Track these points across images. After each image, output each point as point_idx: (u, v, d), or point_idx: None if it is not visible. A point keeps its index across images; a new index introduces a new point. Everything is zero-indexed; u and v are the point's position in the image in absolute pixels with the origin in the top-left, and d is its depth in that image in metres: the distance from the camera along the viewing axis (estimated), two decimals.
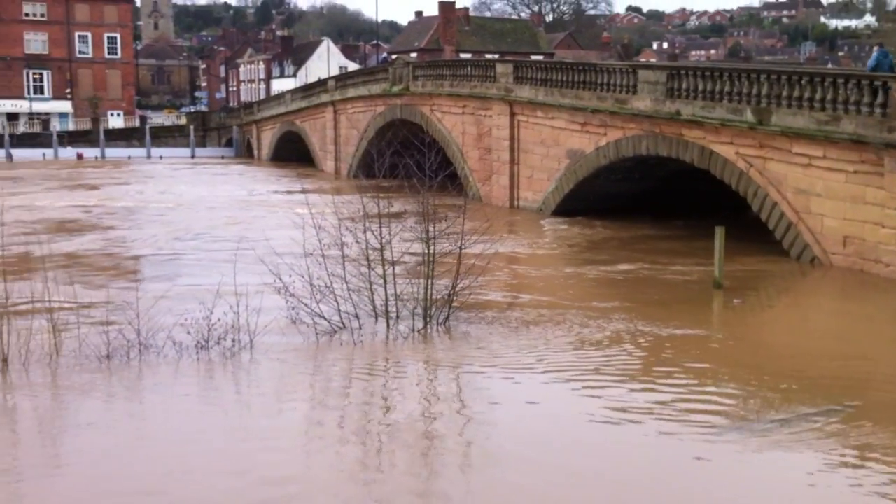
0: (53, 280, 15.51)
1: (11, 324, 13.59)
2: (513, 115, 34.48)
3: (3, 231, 18.44)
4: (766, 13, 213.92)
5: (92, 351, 13.69)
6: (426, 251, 16.18)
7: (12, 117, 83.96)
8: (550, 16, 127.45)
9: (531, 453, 10.45)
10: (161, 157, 72.55)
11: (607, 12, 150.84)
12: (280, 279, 15.27)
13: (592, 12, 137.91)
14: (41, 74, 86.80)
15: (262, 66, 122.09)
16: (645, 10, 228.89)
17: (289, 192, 42.61)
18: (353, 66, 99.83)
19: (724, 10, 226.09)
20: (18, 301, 15.20)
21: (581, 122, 30.46)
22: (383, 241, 16.06)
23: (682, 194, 29.68)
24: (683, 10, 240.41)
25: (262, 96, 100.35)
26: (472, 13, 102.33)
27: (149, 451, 10.50)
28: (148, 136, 76.35)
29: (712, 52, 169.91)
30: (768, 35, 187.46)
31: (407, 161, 17.54)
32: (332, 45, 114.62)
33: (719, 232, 19.32)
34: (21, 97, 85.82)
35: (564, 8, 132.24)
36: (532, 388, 13.04)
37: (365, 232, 16.21)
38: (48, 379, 13.11)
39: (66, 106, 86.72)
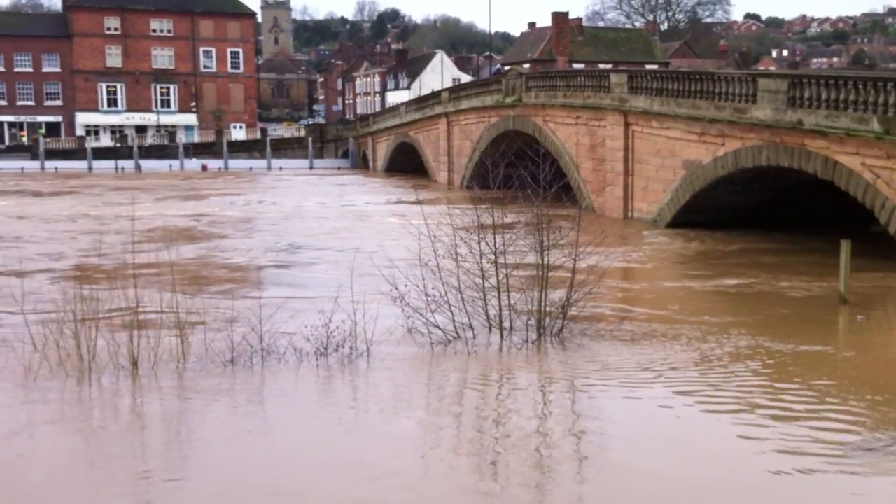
0: (180, 286, 16.12)
1: (141, 328, 14.16)
2: (627, 125, 34.12)
3: (133, 238, 19.30)
4: (890, 19, 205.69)
5: (217, 356, 14.17)
6: (540, 262, 16.17)
7: (141, 130, 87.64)
8: (665, 24, 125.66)
9: (648, 471, 10.32)
10: (281, 169, 74.54)
11: (724, 20, 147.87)
12: (396, 288, 15.50)
13: (709, 20, 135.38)
14: (168, 88, 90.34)
15: (377, 78, 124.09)
16: (763, 17, 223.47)
17: (403, 203, 43.17)
18: (466, 78, 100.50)
19: (847, 17, 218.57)
20: (147, 307, 15.82)
21: (698, 132, 29.92)
22: (497, 251, 16.13)
23: (801, 207, 28.81)
24: (804, 16, 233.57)
25: (377, 108, 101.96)
26: (585, 23, 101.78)
27: (270, 455, 10.80)
28: (268, 148, 78.57)
29: (834, 59, 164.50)
30: (894, 42, 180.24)
31: (521, 172, 17.58)
32: (445, 57, 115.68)
33: (845, 246, 18.69)
34: (149, 110, 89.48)
35: (680, 16, 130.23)
36: (650, 404, 12.83)
37: (479, 242, 16.32)
38: (175, 382, 13.62)
39: (191, 119, 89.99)
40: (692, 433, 11.64)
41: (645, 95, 33.13)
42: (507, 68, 62.13)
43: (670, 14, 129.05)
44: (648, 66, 76.57)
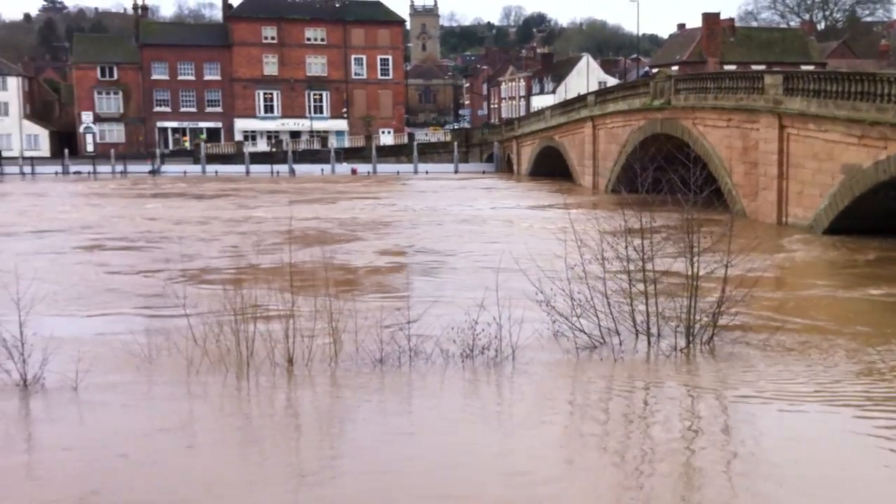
0: (333, 287, 16.62)
1: (297, 327, 14.68)
2: (782, 127, 32.99)
3: (289, 239, 20.03)
4: None
5: (367, 355, 14.56)
6: (689, 268, 15.86)
7: (295, 135, 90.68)
8: (822, 24, 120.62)
9: (806, 495, 9.91)
10: (427, 172, 75.69)
11: (885, 18, 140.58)
12: (542, 292, 15.51)
13: (869, 19, 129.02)
14: (321, 95, 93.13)
15: (522, 83, 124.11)
16: None
17: (548, 207, 43.08)
18: (612, 81, 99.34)
19: None
20: (302, 306, 16.36)
21: (858, 135, 28.64)
22: (645, 256, 15.92)
23: None
24: None
25: (522, 113, 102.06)
26: (737, 23, 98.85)
27: (418, 456, 11.02)
28: (415, 153, 79.92)
29: None
30: None
31: (670, 177, 17.26)
32: (591, 60, 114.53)
33: None
34: (303, 116, 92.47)
35: (837, 15, 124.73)
36: (808, 420, 12.27)
37: (626, 247, 16.14)
38: (328, 380, 14.07)
39: (342, 124, 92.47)
40: (854, 457, 11.04)
41: (801, 97, 31.95)
42: (654, 71, 61.05)
43: (827, 13, 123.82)
44: (804, 67, 73.72)
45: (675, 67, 79.63)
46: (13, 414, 12.80)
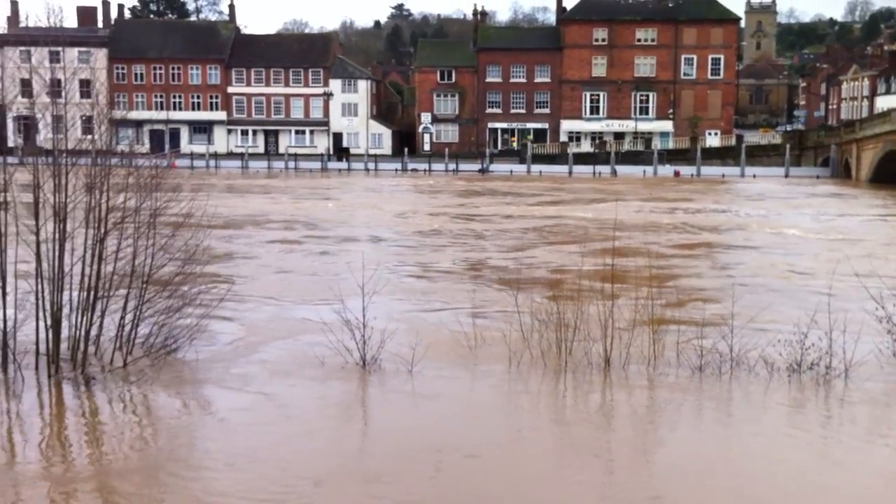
0: (655, 289, 16.51)
1: (615, 329, 14.79)
2: None
3: (613, 238, 20.14)
4: None
5: (686, 361, 14.36)
6: None
7: (618, 136, 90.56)
8: None
9: None
10: (754, 177, 72.61)
11: None
12: (882, 307, 14.47)
13: None
14: (647, 96, 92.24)
15: (866, 82, 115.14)
16: None
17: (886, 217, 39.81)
18: None
19: None
20: (623, 308, 16.42)
21: None
22: None
23: None
24: None
25: (864, 114, 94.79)
26: None
27: (735, 469, 10.74)
28: (742, 155, 76.93)
29: None
30: None
31: None
32: None
33: None
34: (627, 118, 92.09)
35: None
36: None
37: None
38: (644, 383, 14.05)
39: (667, 126, 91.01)
40: None
41: None
42: None
43: None
44: None
45: None
46: (354, 391, 14.01)
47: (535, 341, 15.04)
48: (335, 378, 14.14)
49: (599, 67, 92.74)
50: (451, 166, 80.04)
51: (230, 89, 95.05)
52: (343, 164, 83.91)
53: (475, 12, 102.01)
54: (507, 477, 10.42)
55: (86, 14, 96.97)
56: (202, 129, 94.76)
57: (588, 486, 10.25)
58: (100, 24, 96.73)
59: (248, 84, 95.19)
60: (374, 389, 14.02)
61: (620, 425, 12.62)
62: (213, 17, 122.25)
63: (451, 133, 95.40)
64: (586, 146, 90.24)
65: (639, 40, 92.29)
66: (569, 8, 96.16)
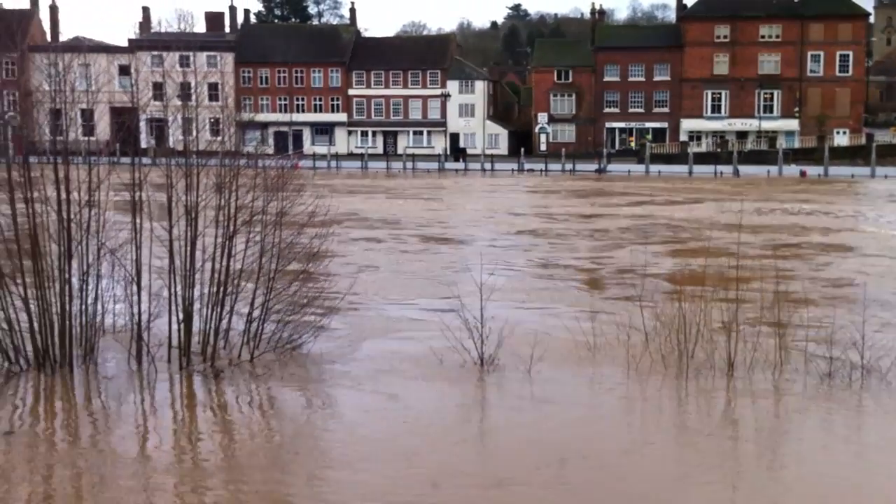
0: (782, 293, 16.04)
1: (740, 332, 14.44)
2: None
3: (738, 240, 19.65)
4: None
5: (813, 368, 13.91)
6: None
7: (741, 135, 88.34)
8: None
9: None
10: (885, 177, 69.66)
11: None
12: None
13: None
14: (771, 94, 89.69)
15: None
16: None
17: None
18: None
19: None
20: (748, 311, 16.02)
21: None
22: None
23: None
24: None
25: None
26: None
27: (864, 483, 10.36)
28: (873, 155, 73.91)
29: None
30: None
31: None
32: None
33: None
34: (751, 116, 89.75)
35: None
36: None
37: None
38: (769, 388, 13.67)
39: (792, 124, 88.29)
40: None
41: None
42: None
43: None
44: None
45: None
46: (472, 391, 14.08)
47: (654, 344, 14.83)
48: (453, 377, 14.24)
49: (721, 65, 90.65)
50: (568, 166, 79.52)
51: (351, 91, 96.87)
52: (460, 165, 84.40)
53: (593, 11, 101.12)
54: (631, 487, 10.28)
55: (214, 19, 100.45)
56: (324, 130, 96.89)
57: (711, 498, 10.03)
58: (227, 30, 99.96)
59: (368, 86, 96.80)
60: (493, 390, 14.07)
61: (744, 434, 12.29)
62: (334, 21, 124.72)
63: (567, 133, 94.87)
64: (707, 146, 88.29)
65: (763, 37, 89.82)
66: (689, 5, 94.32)
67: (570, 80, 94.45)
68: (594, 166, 78.79)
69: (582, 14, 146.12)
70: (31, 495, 9.94)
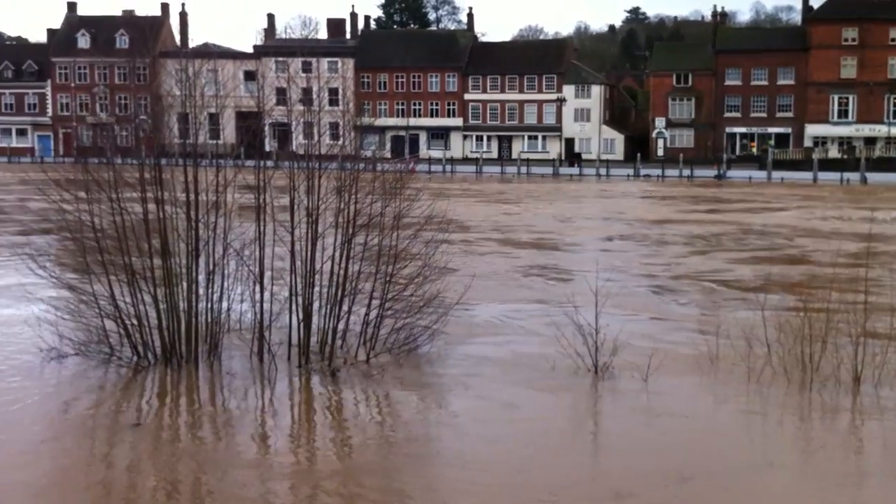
0: None
1: (867, 345, 13.88)
2: None
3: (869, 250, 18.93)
4: None
5: None
6: None
7: (869, 142, 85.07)
8: None
9: None
10: None
11: None
12: None
13: None
14: None
15: None
16: None
17: None
18: None
19: None
20: (876, 323, 15.41)
21: None
22: None
23: None
24: None
25: None
26: None
27: None
28: None
29: None
30: None
31: None
32: None
33: None
34: (880, 122, 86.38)
35: None
36: None
37: None
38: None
39: None
40: None
41: None
42: None
43: None
44: None
45: None
46: (585, 399, 13.95)
47: (777, 356, 14.40)
48: (566, 383, 14.13)
49: (849, 69, 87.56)
50: (686, 172, 78.06)
51: (467, 96, 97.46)
52: (574, 170, 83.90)
53: (714, 13, 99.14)
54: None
55: (335, 26, 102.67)
56: (439, 134, 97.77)
57: None
58: (347, 36, 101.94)
59: (484, 91, 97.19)
60: (607, 398, 13.88)
61: (870, 453, 11.81)
62: (452, 27, 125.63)
63: (686, 138, 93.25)
64: (833, 152, 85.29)
65: (893, 40, 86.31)
66: (816, 7, 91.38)
67: (690, 83, 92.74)
68: (713, 172, 77.13)
69: (703, 17, 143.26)
70: (156, 487, 10.30)
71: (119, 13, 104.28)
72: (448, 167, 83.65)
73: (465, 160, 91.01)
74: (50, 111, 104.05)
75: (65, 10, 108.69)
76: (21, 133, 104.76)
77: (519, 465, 10.90)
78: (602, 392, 14.01)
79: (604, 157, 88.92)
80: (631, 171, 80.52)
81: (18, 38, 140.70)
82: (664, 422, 12.68)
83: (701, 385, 14.21)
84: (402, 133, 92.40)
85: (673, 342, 16.70)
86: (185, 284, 14.61)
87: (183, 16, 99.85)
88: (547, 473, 10.69)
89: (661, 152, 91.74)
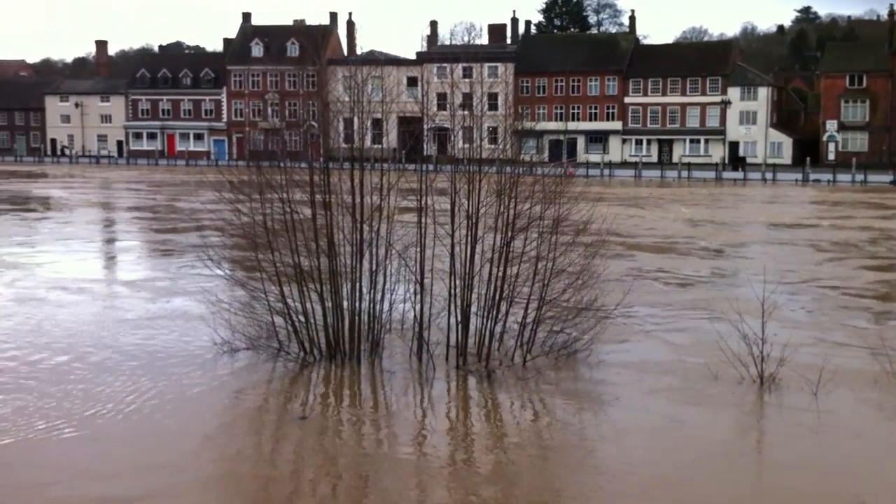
0: None
1: None
2: None
3: None
4: None
5: None
6: None
7: None
8: None
9: None
10: None
11: None
12: None
13: None
14: None
15: None
16: None
17: None
18: None
19: None
20: None
21: None
22: None
23: None
24: None
25: None
26: None
27: None
28: None
29: None
30: None
31: None
32: None
33: None
34: None
35: None
36: None
37: None
38: None
39: None
40: None
41: None
42: None
43: None
44: None
45: None
46: (749, 411, 13.47)
47: None
48: (729, 394, 13.73)
49: None
50: (859, 177, 74.32)
51: (627, 99, 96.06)
52: (738, 174, 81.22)
53: (891, 12, 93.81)
54: None
55: (496, 31, 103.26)
56: (598, 138, 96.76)
57: None
58: (508, 41, 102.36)
59: (645, 94, 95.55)
60: (773, 412, 13.34)
61: None
62: (613, 30, 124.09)
63: (859, 142, 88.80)
64: None
65: None
66: None
67: (864, 85, 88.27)
68: (888, 178, 73.14)
69: (878, 16, 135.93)
70: (317, 480, 10.66)
71: (290, 23, 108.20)
72: (606, 171, 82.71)
73: (624, 164, 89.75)
74: (225, 117, 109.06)
75: (240, 20, 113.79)
76: (198, 137, 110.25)
77: (680, 480, 10.66)
78: (768, 404, 13.52)
79: (770, 161, 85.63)
80: (799, 176, 77.25)
81: (196, 48, 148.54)
82: (836, 438, 12.11)
83: (875, 400, 13.52)
84: (560, 137, 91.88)
85: (844, 356, 15.95)
86: (349, 284, 15.07)
87: (350, 24, 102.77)
88: (707, 492, 10.38)
89: (831, 156, 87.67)
